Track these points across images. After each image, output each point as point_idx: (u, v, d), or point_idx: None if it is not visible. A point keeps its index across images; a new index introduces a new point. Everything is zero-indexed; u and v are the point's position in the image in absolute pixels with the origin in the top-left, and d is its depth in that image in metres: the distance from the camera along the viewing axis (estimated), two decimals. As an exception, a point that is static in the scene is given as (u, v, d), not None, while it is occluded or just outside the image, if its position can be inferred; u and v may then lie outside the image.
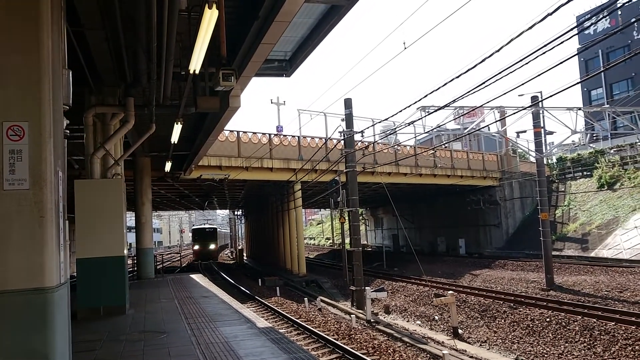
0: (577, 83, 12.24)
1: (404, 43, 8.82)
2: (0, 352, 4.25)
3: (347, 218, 24.40)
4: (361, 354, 11.53)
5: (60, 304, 4.58)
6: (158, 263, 27.30)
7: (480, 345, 14.51)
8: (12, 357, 4.27)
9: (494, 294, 19.46)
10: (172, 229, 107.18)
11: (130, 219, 31.51)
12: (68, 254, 5.09)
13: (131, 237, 25.50)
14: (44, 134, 4.49)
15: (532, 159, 36.48)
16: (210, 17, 6.24)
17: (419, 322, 18.05)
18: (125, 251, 11.57)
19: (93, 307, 10.86)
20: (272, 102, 40.13)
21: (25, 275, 4.33)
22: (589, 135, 37.02)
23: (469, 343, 14.72)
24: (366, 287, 18.62)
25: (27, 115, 4.44)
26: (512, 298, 18.23)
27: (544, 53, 9.70)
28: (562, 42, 9.38)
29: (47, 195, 4.47)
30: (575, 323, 14.07)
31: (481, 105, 25.07)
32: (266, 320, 14.28)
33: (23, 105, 4.45)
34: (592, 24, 42.71)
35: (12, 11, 4.48)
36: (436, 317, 17.90)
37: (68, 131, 5.64)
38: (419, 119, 28.50)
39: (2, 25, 4.45)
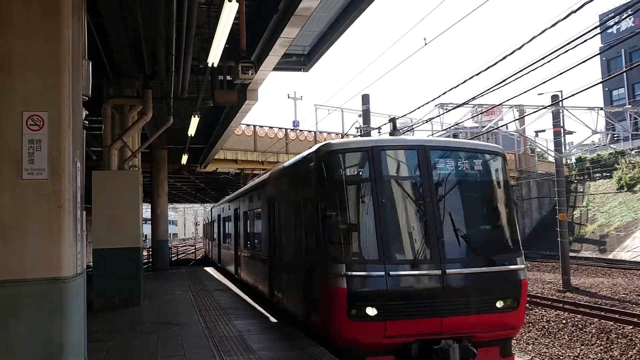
0: (599, 83, 12.03)
1: (424, 39, 8.75)
2: (17, 340, 4.28)
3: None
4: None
5: (76, 294, 4.59)
6: (173, 255, 27.50)
7: (494, 345, 14.36)
8: (29, 346, 4.30)
9: (509, 294, 19.24)
10: (187, 221, 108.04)
11: (146, 210, 31.82)
12: (85, 244, 5.10)
13: (147, 229, 25.73)
14: (64, 125, 4.48)
15: (551, 159, 36.10)
16: (230, 10, 6.22)
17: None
18: (141, 243, 11.63)
19: (108, 298, 10.92)
20: (289, 97, 40.19)
21: (42, 264, 4.34)
22: (609, 135, 36.47)
23: (483, 343, 14.57)
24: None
25: (46, 105, 4.44)
26: (528, 299, 18.03)
27: (565, 52, 9.53)
28: (584, 41, 9.20)
29: (65, 185, 4.47)
30: (592, 326, 13.86)
31: (500, 104, 24.79)
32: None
33: (43, 95, 4.45)
34: (615, 23, 41.97)
35: (33, 0, 4.48)
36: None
37: (87, 122, 5.65)
38: (437, 116, 28.30)
39: (23, 14, 4.45)
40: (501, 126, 38.58)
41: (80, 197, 4.83)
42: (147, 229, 25.48)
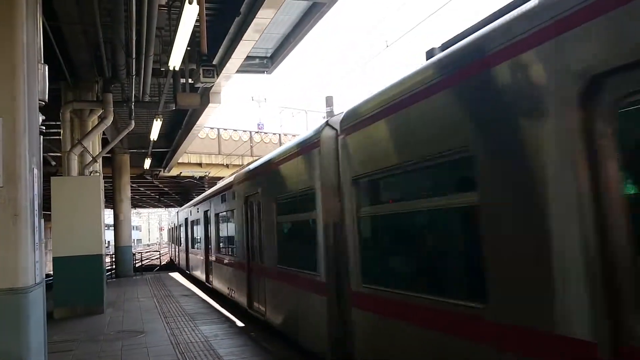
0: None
1: (386, 41, 8.87)
2: (-27, 354, 4.14)
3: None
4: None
5: (35, 305, 4.46)
6: (137, 261, 27.00)
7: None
8: (-15, 359, 4.17)
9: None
10: (152, 226, 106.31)
11: (108, 216, 31.15)
12: (44, 253, 4.97)
13: (109, 235, 25.27)
14: (18, 130, 4.36)
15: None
16: (190, 13, 6.17)
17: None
18: (103, 249, 11.40)
19: (70, 307, 10.67)
20: (253, 99, 40.05)
21: (-2, 275, 4.21)
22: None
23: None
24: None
25: (0, 110, 4.32)
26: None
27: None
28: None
29: (22, 192, 4.35)
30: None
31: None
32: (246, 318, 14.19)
33: (-4, 101, 4.33)
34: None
35: (-16, 3, 4.35)
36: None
37: (44, 127, 5.51)
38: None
39: (-25, 18, 4.32)
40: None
41: (38, 204, 4.70)
42: (109, 235, 25.00)
